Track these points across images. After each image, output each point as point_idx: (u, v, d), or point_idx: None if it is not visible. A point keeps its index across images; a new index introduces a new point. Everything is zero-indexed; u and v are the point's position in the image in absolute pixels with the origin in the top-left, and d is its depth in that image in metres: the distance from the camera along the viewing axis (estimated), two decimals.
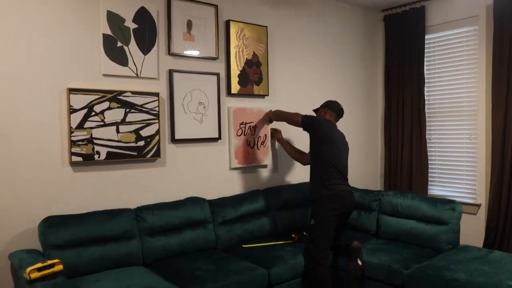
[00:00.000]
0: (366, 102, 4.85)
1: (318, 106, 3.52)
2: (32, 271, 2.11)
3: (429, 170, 4.50)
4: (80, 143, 2.77)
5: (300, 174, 4.08)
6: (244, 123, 3.64)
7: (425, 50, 4.47)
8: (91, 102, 2.82)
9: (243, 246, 3.25)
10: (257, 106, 3.74)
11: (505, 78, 3.83)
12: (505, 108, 3.85)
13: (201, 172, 3.43)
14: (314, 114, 3.39)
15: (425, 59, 4.46)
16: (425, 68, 4.47)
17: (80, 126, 2.78)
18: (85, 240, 2.62)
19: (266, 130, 3.79)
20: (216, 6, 3.43)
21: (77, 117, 2.76)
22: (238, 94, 3.62)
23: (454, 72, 4.33)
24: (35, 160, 2.66)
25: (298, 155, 3.69)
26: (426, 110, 4.46)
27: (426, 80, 4.48)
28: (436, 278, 2.74)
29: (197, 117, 3.36)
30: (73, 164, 2.79)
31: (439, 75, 4.46)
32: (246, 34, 3.63)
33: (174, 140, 3.23)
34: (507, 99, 3.84)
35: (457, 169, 4.36)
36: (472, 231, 4.08)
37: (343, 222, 3.12)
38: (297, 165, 4.08)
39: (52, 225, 2.56)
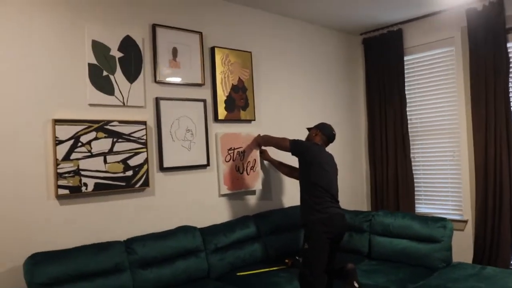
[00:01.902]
0: (350, 123, 4.91)
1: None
2: None
3: (415, 189, 4.54)
4: (66, 175, 2.69)
5: (290, 197, 4.05)
6: (233, 148, 3.62)
7: (405, 71, 4.57)
8: (78, 132, 2.75)
9: (238, 274, 3.17)
10: (244, 131, 3.73)
11: (483, 96, 3.94)
12: (485, 125, 3.94)
13: (191, 199, 3.36)
14: (308, 132, 3.40)
15: (405, 79, 4.56)
16: (406, 88, 4.56)
17: (67, 157, 2.69)
18: (73, 276, 2.50)
19: (255, 154, 3.77)
20: (200, 33, 3.44)
21: (63, 149, 2.68)
22: (225, 120, 3.61)
23: (434, 91, 4.43)
24: (18, 194, 2.55)
25: (290, 172, 3.68)
26: (409, 130, 4.54)
27: (407, 100, 4.57)
28: None
29: (185, 144, 3.32)
30: (59, 197, 2.69)
31: (420, 95, 4.55)
32: (231, 60, 3.65)
33: (162, 168, 3.17)
34: (486, 115, 3.93)
35: (443, 186, 4.42)
36: (461, 247, 4.11)
37: (336, 245, 3.09)
38: (288, 189, 4.06)
39: (38, 262, 2.44)
